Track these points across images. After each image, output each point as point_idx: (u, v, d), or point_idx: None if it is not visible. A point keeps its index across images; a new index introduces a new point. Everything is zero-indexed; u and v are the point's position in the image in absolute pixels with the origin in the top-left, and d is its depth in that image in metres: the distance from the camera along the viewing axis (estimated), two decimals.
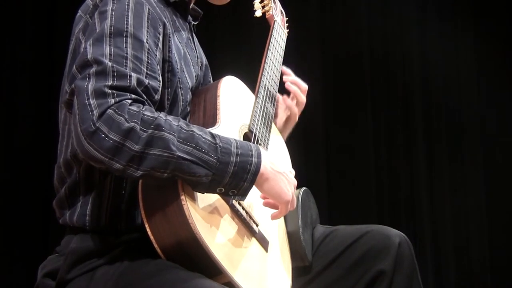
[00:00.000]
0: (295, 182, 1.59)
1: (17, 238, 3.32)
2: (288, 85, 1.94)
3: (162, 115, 1.41)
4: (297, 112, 1.98)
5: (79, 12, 1.64)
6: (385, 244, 1.75)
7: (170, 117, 1.42)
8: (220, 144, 1.43)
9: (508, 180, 4.30)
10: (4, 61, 3.46)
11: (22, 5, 3.49)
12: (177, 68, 1.61)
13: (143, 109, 1.40)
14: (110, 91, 1.39)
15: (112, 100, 1.38)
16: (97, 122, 1.36)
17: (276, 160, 1.56)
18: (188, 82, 1.66)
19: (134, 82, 1.42)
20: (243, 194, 1.46)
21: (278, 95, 1.94)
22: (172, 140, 1.38)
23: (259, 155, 1.47)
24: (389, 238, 1.76)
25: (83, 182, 1.57)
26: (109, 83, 1.40)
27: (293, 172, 1.62)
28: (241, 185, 1.45)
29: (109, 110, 1.37)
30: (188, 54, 1.71)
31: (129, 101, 1.39)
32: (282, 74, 1.96)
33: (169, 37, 1.59)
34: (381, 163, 4.18)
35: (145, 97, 1.44)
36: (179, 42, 1.67)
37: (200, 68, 1.78)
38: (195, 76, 1.71)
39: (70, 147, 1.59)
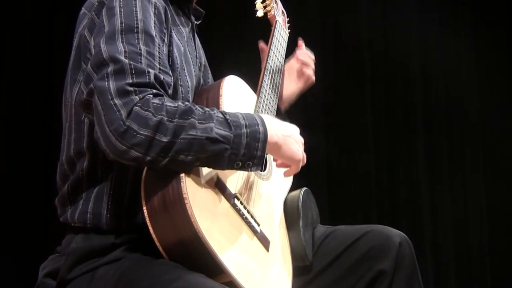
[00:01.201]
0: (302, 139, 1.65)
1: (18, 238, 3.32)
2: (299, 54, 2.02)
3: (180, 103, 1.45)
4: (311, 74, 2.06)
5: (83, 10, 1.64)
6: (385, 244, 1.75)
7: (187, 103, 1.47)
8: (231, 119, 1.47)
9: (508, 181, 4.30)
10: (4, 61, 3.46)
11: (22, 5, 3.49)
12: (177, 64, 1.62)
13: (165, 101, 1.43)
14: (132, 88, 1.41)
15: (137, 97, 1.40)
16: (127, 121, 1.38)
17: (281, 123, 1.61)
18: (187, 81, 1.67)
19: (152, 78, 1.45)
20: (258, 164, 1.50)
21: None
22: (195, 123, 1.42)
23: (263, 123, 1.51)
24: (389, 238, 1.76)
25: (86, 179, 1.57)
26: (130, 81, 1.42)
27: (297, 130, 1.66)
28: (255, 154, 1.48)
29: (135, 107, 1.39)
30: (188, 52, 1.72)
31: (151, 95, 1.42)
32: (284, 72, 1.98)
33: (170, 32, 1.61)
34: (381, 163, 4.18)
35: (162, 91, 1.46)
36: (179, 40, 1.68)
37: (199, 69, 1.80)
38: (195, 76, 1.72)
39: (73, 144, 1.60)
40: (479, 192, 4.31)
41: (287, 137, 1.59)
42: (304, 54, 2.05)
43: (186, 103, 1.46)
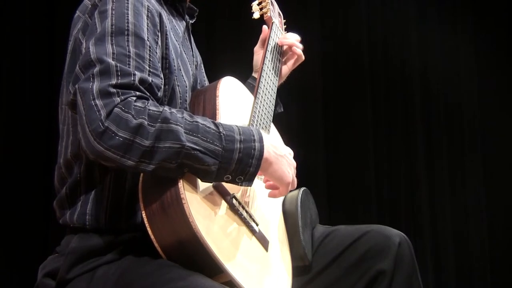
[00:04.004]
0: (294, 163, 1.62)
1: (17, 238, 3.32)
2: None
3: (166, 108, 1.43)
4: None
5: (77, 13, 1.64)
6: (385, 244, 1.75)
7: (174, 110, 1.44)
8: (224, 132, 1.45)
9: (508, 180, 4.30)
10: (4, 61, 3.46)
11: (22, 5, 3.49)
12: (174, 66, 1.62)
13: (148, 104, 1.41)
14: (114, 90, 1.40)
15: (118, 99, 1.39)
16: (106, 122, 1.37)
17: (277, 142, 1.59)
18: (185, 80, 1.67)
19: (137, 80, 1.44)
20: (249, 179, 1.48)
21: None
22: (181, 131, 1.40)
23: (261, 139, 1.49)
24: (389, 238, 1.75)
25: (84, 181, 1.58)
26: (113, 82, 1.41)
27: (292, 153, 1.64)
28: (247, 170, 1.46)
29: (115, 108, 1.38)
30: (184, 52, 1.72)
31: (134, 98, 1.41)
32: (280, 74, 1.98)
33: (166, 34, 1.61)
34: (381, 163, 4.18)
35: (148, 94, 1.45)
36: (176, 40, 1.68)
37: (196, 67, 1.80)
38: (192, 75, 1.73)
39: (70, 147, 1.60)
40: (479, 191, 4.31)
41: (280, 156, 1.56)
42: (289, 36, 2.02)
43: (172, 109, 1.44)
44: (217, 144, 1.43)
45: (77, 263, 1.52)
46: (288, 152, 1.62)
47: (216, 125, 1.46)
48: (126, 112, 1.38)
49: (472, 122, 4.37)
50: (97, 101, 1.39)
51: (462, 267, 4.23)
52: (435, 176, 4.28)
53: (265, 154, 1.50)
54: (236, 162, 1.44)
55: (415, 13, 4.35)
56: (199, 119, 1.45)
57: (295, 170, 1.62)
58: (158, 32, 1.57)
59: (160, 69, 1.54)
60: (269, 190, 1.72)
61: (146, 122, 1.38)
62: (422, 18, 4.36)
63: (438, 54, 4.35)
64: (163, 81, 1.54)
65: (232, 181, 1.47)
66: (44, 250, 3.19)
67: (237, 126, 1.49)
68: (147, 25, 1.53)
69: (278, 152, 1.56)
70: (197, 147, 1.41)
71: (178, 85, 1.64)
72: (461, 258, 4.23)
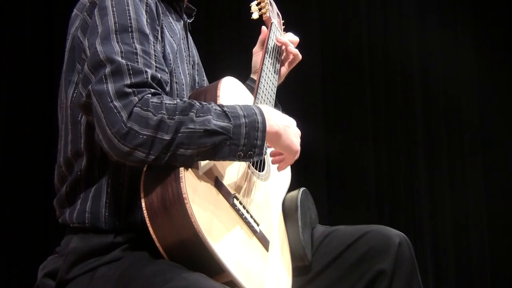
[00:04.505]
0: (299, 132, 1.67)
1: (17, 238, 3.32)
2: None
3: (179, 100, 1.46)
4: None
5: (75, 11, 1.65)
6: (385, 244, 1.75)
7: (185, 99, 1.48)
8: (229, 110, 1.48)
9: (508, 180, 4.30)
10: (4, 61, 3.46)
11: (22, 5, 3.49)
12: (170, 60, 1.63)
13: (163, 99, 1.44)
14: (130, 90, 1.42)
15: (136, 98, 1.41)
16: (128, 122, 1.39)
17: (280, 114, 1.62)
18: (182, 78, 1.68)
19: (149, 77, 1.46)
20: (260, 153, 1.51)
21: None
22: (193, 117, 1.43)
23: (261, 113, 1.53)
24: (389, 238, 1.75)
25: (84, 179, 1.58)
26: (128, 81, 1.43)
27: (294, 122, 1.67)
28: (255, 143, 1.49)
29: (135, 108, 1.40)
30: (183, 50, 1.72)
31: (150, 95, 1.43)
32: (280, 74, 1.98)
33: (162, 28, 1.61)
34: (381, 163, 4.18)
35: (159, 89, 1.47)
36: (172, 37, 1.68)
37: (192, 67, 1.81)
38: (188, 74, 1.73)
39: (70, 145, 1.60)
40: (479, 191, 4.31)
41: (287, 127, 1.60)
42: (285, 36, 2.03)
43: (185, 99, 1.47)
44: (226, 121, 1.46)
45: (77, 263, 1.52)
46: (292, 122, 1.65)
47: (220, 106, 1.50)
48: (145, 111, 1.40)
49: (472, 122, 4.37)
50: (115, 103, 1.40)
51: (462, 267, 4.22)
52: (435, 176, 4.27)
53: (273, 127, 1.55)
54: (244, 137, 1.47)
55: (415, 13, 4.34)
56: (205, 103, 1.49)
57: (300, 139, 1.66)
58: (157, 26, 1.58)
59: (164, 64, 1.55)
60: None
61: (165, 117, 1.41)
62: (422, 18, 4.35)
63: (438, 54, 4.35)
64: (168, 75, 1.55)
65: (245, 157, 1.49)
66: (44, 250, 3.19)
67: (237, 104, 1.52)
68: (147, 20, 1.54)
69: (285, 124, 1.60)
70: (209, 127, 1.43)
71: (176, 82, 1.65)
72: (461, 258, 4.23)
